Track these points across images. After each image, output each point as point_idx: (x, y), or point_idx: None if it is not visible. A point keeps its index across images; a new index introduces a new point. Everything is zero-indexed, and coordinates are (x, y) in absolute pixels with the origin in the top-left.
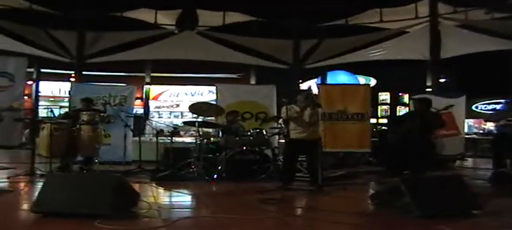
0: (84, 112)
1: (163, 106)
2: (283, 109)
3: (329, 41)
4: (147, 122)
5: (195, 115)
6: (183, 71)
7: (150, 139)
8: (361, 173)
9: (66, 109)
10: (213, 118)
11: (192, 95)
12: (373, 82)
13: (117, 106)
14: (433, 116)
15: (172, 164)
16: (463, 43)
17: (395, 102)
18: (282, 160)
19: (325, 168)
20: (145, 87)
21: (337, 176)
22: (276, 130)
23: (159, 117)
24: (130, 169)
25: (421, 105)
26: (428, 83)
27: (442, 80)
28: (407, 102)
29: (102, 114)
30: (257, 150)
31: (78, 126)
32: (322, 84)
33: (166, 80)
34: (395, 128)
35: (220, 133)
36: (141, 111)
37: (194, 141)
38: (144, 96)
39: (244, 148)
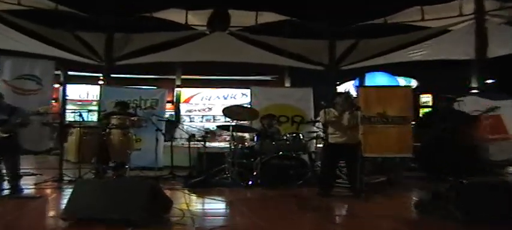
0: (115, 116)
1: (195, 110)
2: (322, 113)
3: (366, 41)
4: (179, 126)
5: (228, 119)
6: (215, 73)
7: (182, 144)
8: (403, 179)
9: (95, 114)
10: (247, 122)
11: (225, 98)
12: (413, 83)
13: (147, 109)
14: (461, 115)
15: (206, 170)
16: (511, 41)
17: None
18: (320, 165)
19: (365, 173)
20: (176, 90)
21: (377, 182)
22: (313, 135)
23: (191, 121)
24: (162, 175)
25: (447, 103)
26: (474, 84)
27: (488, 81)
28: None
29: (133, 118)
30: (294, 155)
31: (108, 131)
32: (361, 86)
33: (198, 83)
34: (425, 129)
35: (255, 137)
36: (172, 114)
37: (228, 145)
38: (174, 99)
39: (280, 153)
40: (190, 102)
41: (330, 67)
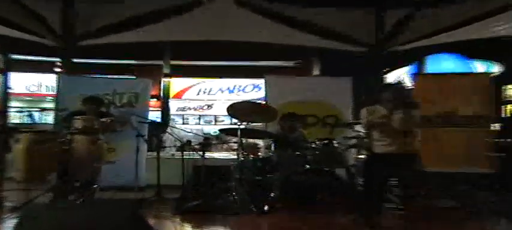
0: (79, 117)
1: (190, 108)
2: (364, 112)
3: (427, 11)
4: (168, 130)
5: (235, 121)
6: (217, 57)
7: (173, 155)
8: (481, 204)
9: (52, 113)
10: (261, 124)
11: (230, 92)
12: (496, 70)
13: (125, 107)
14: None
15: (205, 190)
16: None
17: None
18: (361, 184)
19: (426, 194)
20: (164, 80)
21: (443, 208)
22: (352, 142)
23: (184, 123)
24: (145, 198)
25: None
26: None
27: None
28: None
29: (105, 120)
30: (325, 169)
31: (70, 137)
32: (419, 75)
33: (194, 71)
34: None
35: (272, 145)
36: (158, 114)
37: (235, 156)
38: (162, 94)
39: (307, 166)
40: (183, 97)
41: (376, 48)
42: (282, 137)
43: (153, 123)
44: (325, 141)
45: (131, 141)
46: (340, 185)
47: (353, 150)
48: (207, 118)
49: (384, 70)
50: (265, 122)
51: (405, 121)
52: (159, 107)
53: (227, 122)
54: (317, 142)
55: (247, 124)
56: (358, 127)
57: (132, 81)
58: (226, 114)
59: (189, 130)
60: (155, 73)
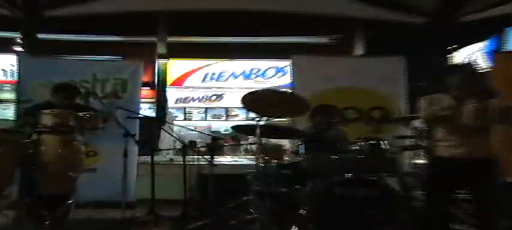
0: (48, 112)
1: (194, 99)
2: (423, 103)
3: None
4: (165, 128)
5: (252, 115)
6: (228, 33)
7: (171, 160)
8: None
9: (12, 106)
10: (287, 120)
11: (246, 77)
12: None
13: (108, 98)
14: None
15: (213, 206)
16: None
17: None
18: (421, 198)
19: (508, 213)
20: (159, 63)
21: None
22: (408, 142)
23: (187, 119)
24: (135, 217)
25: None
26: None
27: None
28: None
29: (83, 114)
30: (372, 178)
31: (35, 137)
32: (498, 53)
33: (198, 50)
34: None
35: (302, 147)
36: (151, 107)
37: (253, 162)
38: (156, 80)
39: (348, 175)
40: (184, 84)
41: (441, 17)
42: (314, 136)
43: (145, 119)
44: (372, 142)
45: (117, 142)
46: (391, 200)
47: (408, 153)
48: (216, 112)
49: (451, 48)
50: (293, 117)
51: (479, 114)
52: (153, 98)
53: (242, 117)
54: (361, 143)
55: (268, 120)
56: (415, 123)
57: (118, 63)
58: (241, 106)
59: (192, 128)
60: (147, 54)
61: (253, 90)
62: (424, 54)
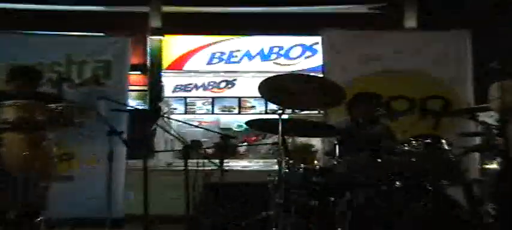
0: (8, 104)
1: (197, 86)
2: (496, 90)
3: None
4: (161, 123)
5: (273, 107)
6: (241, 1)
7: (170, 165)
8: None
9: None
10: (317, 112)
11: (265, 58)
12: None
13: (88, 85)
14: None
15: (224, 224)
16: None
17: None
18: (493, 211)
19: None
20: (152, 39)
21: None
22: (475, 141)
23: (188, 112)
24: None
25: None
26: None
27: None
28: None
29: (54, 107)
30: (429, 187)
31: None
32: None
33: (201, 23)
34: None
35: (337, 147)
36: (144, 97)
37: (274, 167)
38: (149, 62)
39: (397, 183)
40: (184, 67)
41: None
42: (352, 134)
43: (136, 112)
44: (427, 141)
45: (99, 142)
46: (455, 214)
47: (476, 156)
48: (226, 103)
49: None
50: (325, 109)
51: None
52: (145, 85)
53: (259, 110)
54: (413, 142)
55: (293, 114)
56: (484, 117)
57: (99, 40)
58: (258, 95)
59: (196, 124)
60: (137, 28)
61: (273, 74)
62: (495, 28)
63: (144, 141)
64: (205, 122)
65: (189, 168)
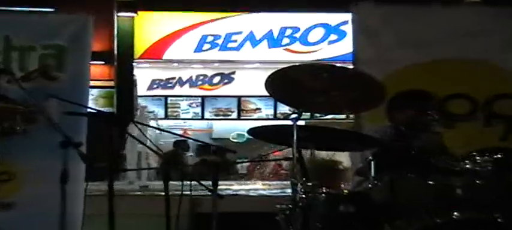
0: None
1: (180, 81)
2: None
3: None
4: (133, 132)
5: (286, 110)
6: None
7: (143, 188)
8: None
9: None
10: (344, 117)
11: (273, 44)
12: None
13: (33, 81)
14: None
15: None
16: None
17: None
18: None
19: None
20: (120, 18)
21: None
22: None
23: (170, 117)
24: None
25: None
26: None
27: None
28: None
29: None
30: (502, 220)
31: None
32: None
33: None
34: None
35: (372, 164)
36: (110, 97)
37: (287, 191)
38: (116, 48)
39: (457, 214)
40: (164, 56)
41: None
42: (394, 146)
43: (98, 117)
44: (497, 156)
45: (49, 156)
46: None
47: None
48: (221, 105)
49: None
50: (357, 112)
51: None
52: (112, 79)
53: (266, 113)
54: (477, 158)
55: (312, 119)
56: None
57: (50, 19)
58: (265, 94)
59: (179, 132)
60: (101, 3)
61: (285, 65)
62: None
63: (110, 156)
64: (193, 130)
65: (171, 192)
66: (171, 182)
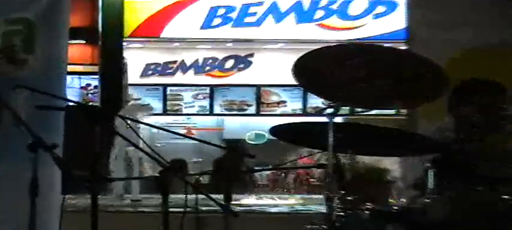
0: None
1: (183, 66)
2: None
3: None
4: (122, 132)
5: (318, 103)
6: None
7: (135, 203)
8: None
9: None
10: (393, 112)
11: (302, 18)
12: None
13: None
14: None
15: None
16: None
17: None
18: None
19: None
20: None
21: None
22: None
23: (169, 112)
24: None
25: None
26: None
27: None
28: None
29: None
30: None
31: None
32: None
33: None
34: None
35: (430, 173)
36: (93, 85)
37: (320, 206)
38: (100, 24)
39: None
40: (162, 34)
41: None
42: (458, 150)
43: (79, 112)
44: None
45: (16, 161)
46: None
47: None
48: (235, 96)
49: None
50: (410, 107)
51: None
52: (95, 63)
53: (293, 107)
54: None
55: (353, 114)
56: None
57: None
58: (291, 82)
59: (182, 132)
60: None
61: (318, 46)
62: None
63: (93, 161)
64: (199, 129)
65: (172, 207)
66: (171, 195)
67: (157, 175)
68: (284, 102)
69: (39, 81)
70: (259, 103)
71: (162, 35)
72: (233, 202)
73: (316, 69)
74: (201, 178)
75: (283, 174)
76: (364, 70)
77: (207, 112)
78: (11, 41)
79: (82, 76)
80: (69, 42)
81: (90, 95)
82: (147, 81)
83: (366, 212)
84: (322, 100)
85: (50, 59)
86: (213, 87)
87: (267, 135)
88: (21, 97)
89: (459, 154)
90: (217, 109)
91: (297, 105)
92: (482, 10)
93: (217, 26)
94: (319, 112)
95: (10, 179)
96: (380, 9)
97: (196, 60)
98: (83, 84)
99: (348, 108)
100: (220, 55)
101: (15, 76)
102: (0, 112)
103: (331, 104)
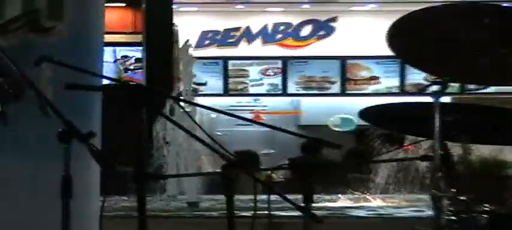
0: None
1: (247, 33)
2: None
3: None
4: (177, 116)
5: (421, 79)
6: None
7: (193, 206)
8: None
9: None
10: None
11: None
12: None
13: (17, 34)
14: None
15: None
16: None
17: None
18: None
19: None
20: None
21: None
22: None
23: (231, 91)
24: None
25: None
26: None
27: None
28: None
29: None
30: None
31: None
32: None
33: None
34: None
35: None
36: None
37: (426, 208)
38: None
39: None
40: None
41: None
42: None
43: (121, 92)
44: None
45: (44, 155)
46: None
47: None
48: (315, 71)
49: None
50: None
51: None
52: (139, 32)
53: (388, 84)
54: None
55: (467, 93)
56: None
57: None
58: (386, 53)
59: (248, 116)
60: None
61: (419, 7)
62: None
63: (139, 156)
64: (270, 113)
65: (236, 211)
66: (237, 196)
67: (219, 171)
68: (376, 78)
69: (69, 54)
70: (344, 80)
71: None
72: (315, 205)
73: (419, 37)
74: (274, 174)
75: (377, 170)
76: (482, 37)
77: (280, 92)
78: (35, 5)
79: (117, 47)
80: (106, 5)
81: (129, 72)
82: (203, 53)
83: (483, 215)
84: (425, 75)
85: (83, 27)
86: (286, 60)
87: (356, 120)
88: (47, 74)
89: None
90: (292, 88)
91: (393, 82)
92: None
93: None
94: (421, 90)
95: (29, 178)
96: None
97: (265, 27)
98: (118, 57)
99: (458, 84)
100: (295, 20)
101: (39, 47)
102: (22, 92)
103: (438, 80)
